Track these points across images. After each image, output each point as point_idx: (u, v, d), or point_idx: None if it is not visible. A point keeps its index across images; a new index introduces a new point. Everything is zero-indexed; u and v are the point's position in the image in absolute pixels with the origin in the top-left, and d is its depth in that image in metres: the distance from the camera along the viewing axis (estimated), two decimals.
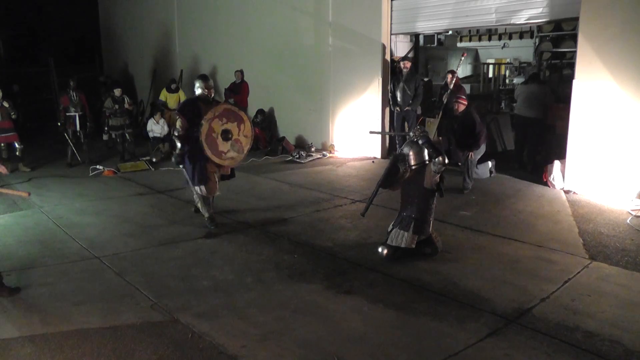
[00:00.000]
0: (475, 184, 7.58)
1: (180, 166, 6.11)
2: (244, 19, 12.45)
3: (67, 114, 10.05)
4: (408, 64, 9.25)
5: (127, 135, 10.51)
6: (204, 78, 6.35)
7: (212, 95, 6.31)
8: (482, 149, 7.72)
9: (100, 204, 7.42)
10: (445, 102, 8.52)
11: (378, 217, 6.31)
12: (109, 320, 4.00)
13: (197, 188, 6.18)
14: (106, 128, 10.72)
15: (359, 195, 7.54)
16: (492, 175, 8.24)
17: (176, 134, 6.02)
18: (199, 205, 6.26)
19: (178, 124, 6.03)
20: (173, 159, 6.15)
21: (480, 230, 5.94)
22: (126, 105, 10.51)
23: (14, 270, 5.01)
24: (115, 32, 17.38)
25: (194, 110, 6.09)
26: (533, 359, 3.44)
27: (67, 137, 9.97)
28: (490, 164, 8.18)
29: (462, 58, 8.46)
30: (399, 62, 9.70)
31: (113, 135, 10.62)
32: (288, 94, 11.51)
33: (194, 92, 6.27)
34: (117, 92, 10.48)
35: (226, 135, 6.05)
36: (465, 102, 7.61)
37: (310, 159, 10.22)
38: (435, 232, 5.26)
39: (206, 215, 6.21)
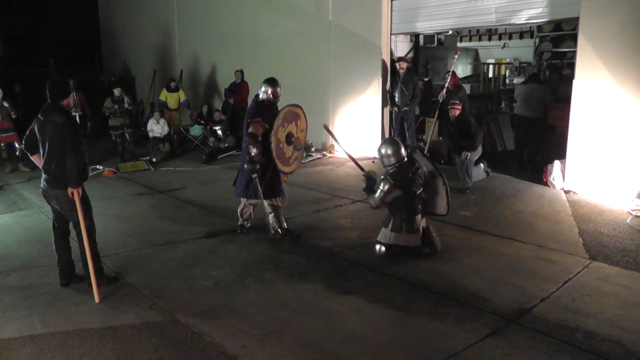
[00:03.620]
0: (476, 184, 7.58)
1: (253, 175, 5.37)
2: (244, 19, 12.44)
3: None
4: (404, 65, 9.25)
5: (126, 135, 10.51)
6: (273, 83, 5.62)
7: (278, 101, 5.67)
8: (479, 150, 7.72)
9: (100, 204, 7.40)
10: (440, 101, 8.50)
11: (378, 217, 6.30)
12: (109, 320, 4.00)
13: (269, 200, 5.62)
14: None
15: (359, 195, 7.53)
16: (489, 175, 8.23)
17: (251, 140, 5.29)
18: (271, 219, 5.71)
19: (252, 129, 5.31)
20: (246, 167, 5.33)
21: (480, 230, 5.94)
22: (126, 105, 10.50)
23: (14, 270, 5.01)
24: (115, 32, 17.37)
25: (266, 114, 5.47)
26: (533, 359, 3.44)
27: None
28: (482, 165, 8.13)
29: (456, 57, 8.38)
30: (396, 62, 9.71)
31: (113, 137, 10.60)
32: (288, 94, 11.46)
33: (258, 94, 5.64)
34: (117, 92, 10.48)
35: (289, 138, 5.62)
36: (460, 107, 7.64)
37: (310, 159, 10.22)
38: (435, 232, 5.27)
39: (283, 225, 5.74)
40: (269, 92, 5.57)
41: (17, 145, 9.54)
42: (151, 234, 6.02)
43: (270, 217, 5.72)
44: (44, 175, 4.42)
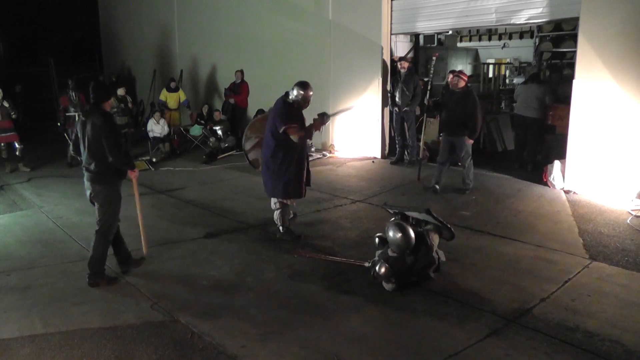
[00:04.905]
0: (476, 184, 7.58)
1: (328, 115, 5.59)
2: (244, 19, 12.45)
3: (67, 114, 10.06)
4: (405, 65, 9.24)
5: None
6: (306, 87, 5.43)
7: (306, 107, 5.53)
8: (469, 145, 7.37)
9: None
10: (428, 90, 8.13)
11: (378, 217, 6.31)
12: (109, 320, 4.00)
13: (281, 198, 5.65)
14: None
15: (359, 195, 7.53)
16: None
17: (306, 136, 5.38)
18: (276, 216, 5.72)
19: (294, 137, 5.29)
20: (325, 117, 5.55)
21: (480, 230, 5.94)
22: (129, 105, 10.57)
23: (14, 270, 5.01)
24: (115, 32, 17.38)
25: (300, 116, 5.47)
26: (533, 359, 3.44)
27: (67, 138, 9.98)
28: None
29: (434, 59, 8.02)
30: (397, 62, 9.70)
31: None
32: None
33: (288, 95, 5.50)
34: (121, 91, 10.55)
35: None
36: (467, 78, 7.33)
37: (310, 159, 10.19)
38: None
39: (286, 224, 5.74)
40: (301, 96, 5.39)
41: (17, 145, 9.54)
42: (151, 234, 6.00)
43: (276, 213, 5.73)
44: (85, 174, 4.67)
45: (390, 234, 4.48)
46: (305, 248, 5.42)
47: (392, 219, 4.82)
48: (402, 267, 4.42)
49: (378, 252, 4.67)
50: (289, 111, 5.41)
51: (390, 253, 4.51)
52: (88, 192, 4.72)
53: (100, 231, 4.62)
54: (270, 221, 6.41)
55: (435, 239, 4.66)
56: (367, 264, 4.71)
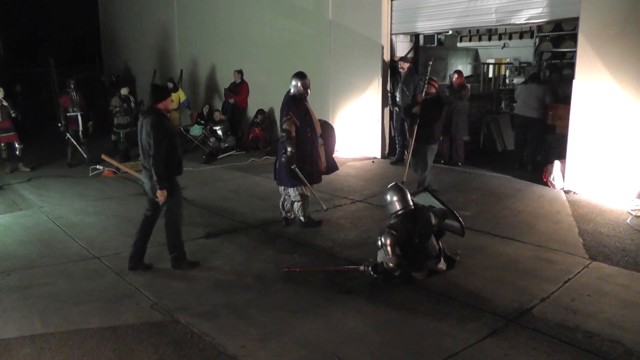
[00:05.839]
0: (475, 184, 7.57)
1: (293, 166, 5.74)
2: (244, 19, 12.44)
3: (67, 114, 10.06)
4: (405, 65, 9.25)
5: (128, 135, 10.52)
6: (301, 76, 5.88)
7: (308, 94, 5.94)
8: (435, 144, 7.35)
9: (100, 204, 7.42)
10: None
11: (378, 217, 6.31)
12: (109, 320, 4.01)
13: (300, 189, 5.94)
14: (114, 128, 10.69)
15: (359, 195, 7.53)
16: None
17: (285, 135, 5.70)
18: (297, 207, 6.08)
19: (287, 125, 5.70)
20: (284, 160, 5.74)
21: (480, 230, 5.94)
22: (132, 105, 10.57)
23: (14, 270, 5.01)
24: (115, 32, 17.37)
25: (300, 108, 5.83)
26: (533, 359, 3.44)
27: (70, 138, 9.96)
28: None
29: (430, 63, 7.98)
30: (397, 62, 9.70)
31: (116, 136, 10.60)
32: None
33: (290, 90, 5.88)
34: (125, 91, 10.55)
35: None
36: (436, 85, 7.46)
37: None
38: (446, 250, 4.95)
39: (307, 214, 6.14)
40: (299, 85, 5.80)
41: (17, 145, 9.54)
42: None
43: (297, 205, 6.05)
44: (142, 170, 4.94)
45: (388, 196, 4.75)
46: (294, 263, 5.12)
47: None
48: (404, 235, 4.53)
49: (379, 252, 4.67)
50: (288, 104, 5.84)
51: (393, 220, 4.66)
52: (145, 187, 4.99)
53: (170, 222, 4.90)
54: (270, 221, 6.43)
55: (434, 219, 4.77)
56: (362, 268, 4.70)
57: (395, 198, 4.71)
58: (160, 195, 4.69)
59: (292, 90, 5.84)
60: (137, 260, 4.97)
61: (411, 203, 4.73)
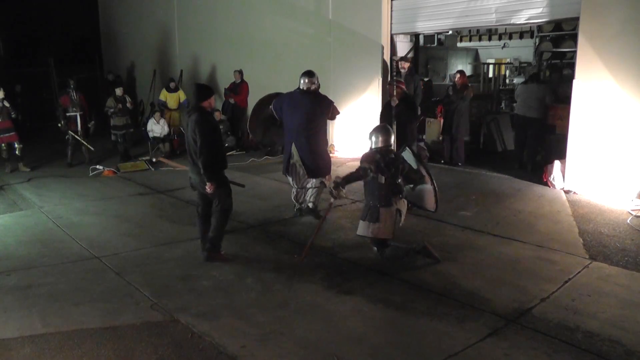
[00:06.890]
0: (475, 184, 7.57)
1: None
2: (243, 19, 12.44)
3: (67, 114, 10.05)
4: (405, 65, 9.25)
5: (126, 135, 10.51)
6: (309, 74, 6.29)
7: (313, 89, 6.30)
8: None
9: (100, 204, 7.42)
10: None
11: None
12: (109, 320, 4.00)
13: (323, 177, 6.34)
14: (111, 129, 10.66)
15: (359, 195, 7.51)
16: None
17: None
18: (315, 194, 6.39)
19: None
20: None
21: (480, 230, 5.94)
22: (128, 105, 10.51)
23: (14, 270, 5.01)
24: (115, 32, 17.37)
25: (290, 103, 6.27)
26: (533, 359, 3.44)
27: (72, 137, 9.95)
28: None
29: (404, 66, 8.15)
30: (398, 62, 9.71)
31: (115, 137, 10.58)
32: None
33: (310, 88, 6.31)
34: (119, 91, 10.47)
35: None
36: (403, 86, 7.55)
37: None
38: (430, 246, 5.03)
39: (317, 202, 6.44)
40: (307, 82, 6.22)
41: (17, 145, 9.54)
42: (151, 234, 6.02)
43: (314, 192, 6.37)
44: (189, 167, 5.17)
45: (373, 136, 5.22)
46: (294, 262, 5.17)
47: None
48: (381, 166, 4.88)
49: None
50: (329, 102, 6.59)
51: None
52: (193, 182, 5.19)
53: (221, 210, 5.09)
54: (270, 221, 6.43)
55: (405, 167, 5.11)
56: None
57: (380, 137, 5.12)
58: (209, 188, 4.90)
59: (313, 87, 6.25)
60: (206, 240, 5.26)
61: (392, 144, 5.17)
